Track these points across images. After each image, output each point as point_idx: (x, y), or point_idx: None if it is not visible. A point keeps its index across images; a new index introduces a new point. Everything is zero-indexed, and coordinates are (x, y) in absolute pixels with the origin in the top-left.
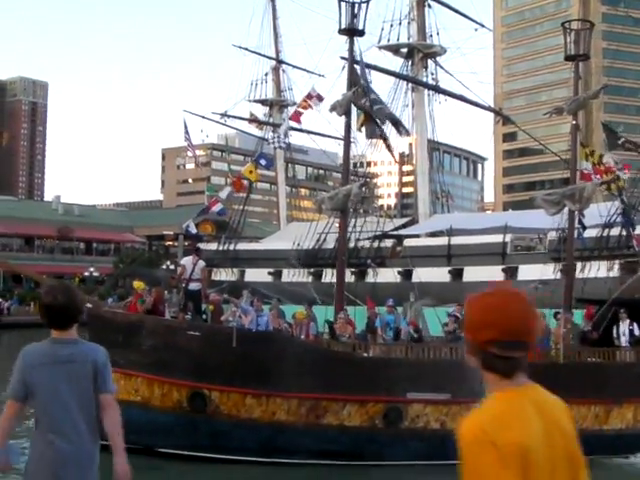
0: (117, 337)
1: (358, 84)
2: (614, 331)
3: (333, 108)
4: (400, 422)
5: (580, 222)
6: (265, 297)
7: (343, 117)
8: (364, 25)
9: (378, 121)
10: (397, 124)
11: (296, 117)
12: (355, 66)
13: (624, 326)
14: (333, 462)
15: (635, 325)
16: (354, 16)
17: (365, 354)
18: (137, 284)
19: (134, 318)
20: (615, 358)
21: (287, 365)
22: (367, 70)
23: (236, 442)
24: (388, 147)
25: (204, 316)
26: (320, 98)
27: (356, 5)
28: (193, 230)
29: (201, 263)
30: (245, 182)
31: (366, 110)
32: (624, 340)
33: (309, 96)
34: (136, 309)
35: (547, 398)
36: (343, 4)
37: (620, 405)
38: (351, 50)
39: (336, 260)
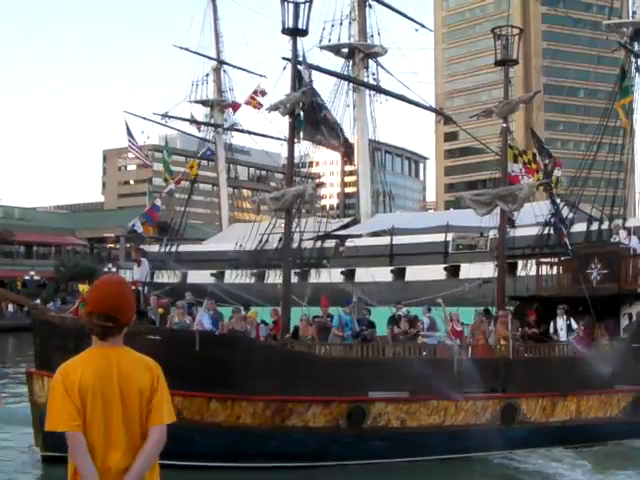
0: (68, 343)
1: (305, 85)
2: (551, 326)
3: (275, 108)
4: (363, 421)
5: (509, 220)
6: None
7: (286, 117)
8: (307, 25)
9: (323, 128)
10: (337, 133)
11: (236, 107)
12: (298, 67)
13: (561, 322)
14: (298, 464)
15: (572, 320)
16: (297, 16)
17: (321, 353)
18: (82, 287)
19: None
20: (555, 353)
21: (252, 368)
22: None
23: (199, 448)
24: (345, 150)
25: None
26: (263, 93)
27: (300, 5)
28: (139, 229)
29: None
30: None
31: (311, 113)
32: (562, 335)
33: (255, 92)
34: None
35: (126, 357)
36: (286, 4)
37: (565, 398)
38: (294, 50)
39: (279, 261)
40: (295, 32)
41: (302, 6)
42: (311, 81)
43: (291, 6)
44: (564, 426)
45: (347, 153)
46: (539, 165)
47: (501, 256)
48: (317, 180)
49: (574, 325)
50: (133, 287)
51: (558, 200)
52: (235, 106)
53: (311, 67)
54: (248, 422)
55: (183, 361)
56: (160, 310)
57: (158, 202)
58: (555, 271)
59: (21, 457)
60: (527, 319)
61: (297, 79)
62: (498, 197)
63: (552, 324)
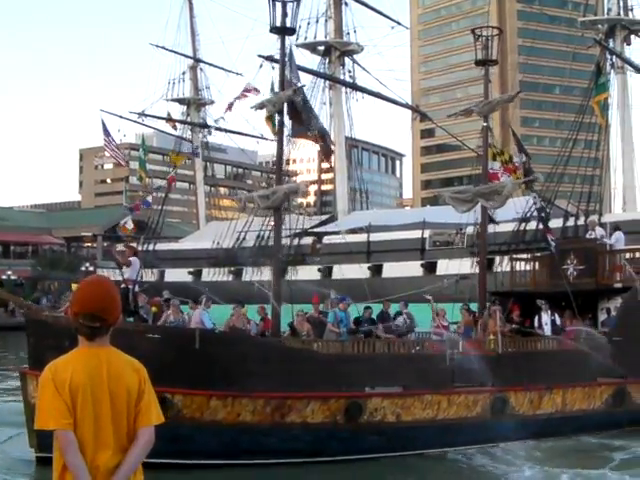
0: (62, 343)
1: (294, 83)
2: (536, 321)
3: (262, 106)
4: (360, 417)
5: (489, 217)
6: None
7: (263, 116)
8: (295, 24)
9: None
10: (324, 137)
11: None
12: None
13: (546, 316)
14: (296, 460)
15: (556, 315)
16: (285, 15)
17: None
18: (75, 286)
19: None
20: (541, 347)
21: (252, 365)
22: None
23: (198, 446)
24: (323, 148)
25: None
26: (257, 90)
27: (287, 4)
28: (130, 226)
29: None
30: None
31: (298, 109)
32: (547, 329)
33: (246, 90)
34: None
35: (115, 357)
36: (274, 3)
37: (551, 391)
38: (282, 49)
39: (256, 258)
40: (284, 31)
41: (290, 5)
42: (301, 83)
43: (279, 5)
44: (550, 418)
45: (326, 152)
46: (515, 165)
47: (482, 252)
48: (294, 178)
49: (558, 320)
50: (123, 285)
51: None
52: (229, 106)
53: (295, 67)
54: (248, 419)
55: (183, 359)
56: (154, 309)
57: (149, 199)
58: (530, 267)
59: (12, 458)
60: (510, 314)
61: (282, 78)
62: (479, 194)
63: (537, 319)
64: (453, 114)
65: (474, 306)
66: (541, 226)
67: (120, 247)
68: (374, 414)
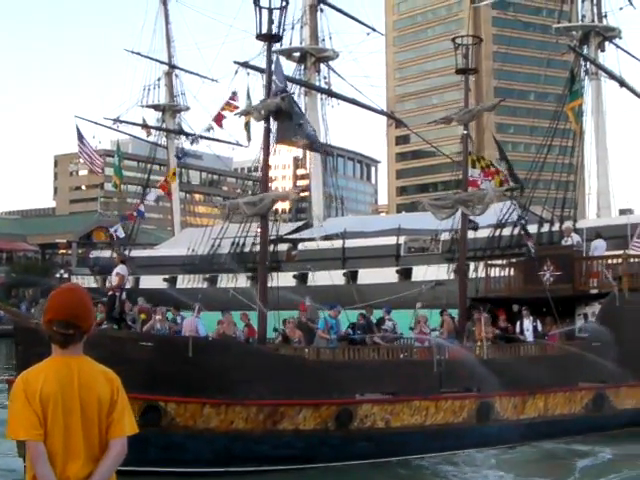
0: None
1: (282, 91)
2: (517, 327)
3: (246, 113)
4: (350, 423)
5: (471, 223)
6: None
7: (240, 123)
8: (281, 31)
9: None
10: (314, 143)
11: (220, 118)
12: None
13: (528, 323)
14: (288, 467)
15: (538, 322)
16: (271, 22)
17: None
18: None
19: None
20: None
21: (245, 372)
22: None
23: (192, 453)
24: (311, 148)
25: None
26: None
27: (273, 11)
28: (121, 234)
29: None
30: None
31: (288, 114)
32: (528, 335)
33: (231, 98)
34: None
35: (87, 367)
36: (262, 10)
37: (534, 396)
38: (269, 56)
39: (231, 265)
40: (270, 38)
41: (276, 12)
42: (289, 89)
43: (265, 12)
44: (532, 423)
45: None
46: (498, 169)
47: (462, 259)
48: (269, 184)
49: (540, 326)
50: (110, 292)
51: (509, 202)
52: (219, 117)
53: (261, 71)
54: (240, 427)
55: (176, 367)
56: (142, 316)
57: (142, 208)
58: (506, 273)
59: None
60: (497, 319)
61: (269, 84)
62: (460, 202)
63: (518, 325)
64: (433, 121)
65: (451, 312)
66: (517, 231)
67: (96, 253)
68: (364, 420)
